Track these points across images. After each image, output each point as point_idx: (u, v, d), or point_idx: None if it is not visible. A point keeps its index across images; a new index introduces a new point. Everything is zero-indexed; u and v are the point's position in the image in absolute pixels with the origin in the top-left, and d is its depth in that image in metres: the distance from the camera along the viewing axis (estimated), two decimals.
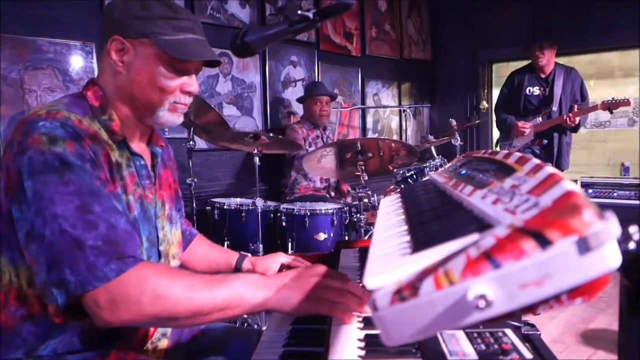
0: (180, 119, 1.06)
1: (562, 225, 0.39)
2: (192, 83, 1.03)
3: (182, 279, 0.86)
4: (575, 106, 3.64)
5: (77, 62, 2.67)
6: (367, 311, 0.84)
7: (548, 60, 3.73)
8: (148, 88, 0.99)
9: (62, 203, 0.84)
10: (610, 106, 3.53)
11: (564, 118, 3.58)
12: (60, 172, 0.85)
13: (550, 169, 0.54)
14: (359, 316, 0.85)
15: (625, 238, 0.44)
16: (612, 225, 0.38)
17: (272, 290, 0.86)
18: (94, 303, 0.82)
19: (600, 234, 0.38)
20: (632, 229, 0.44)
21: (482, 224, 0.53)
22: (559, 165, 3.81)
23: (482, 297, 0.40)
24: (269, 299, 0.85)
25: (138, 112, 1.03)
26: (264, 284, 0.87)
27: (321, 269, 0.91)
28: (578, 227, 0.38)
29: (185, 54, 0.98)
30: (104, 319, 0.82)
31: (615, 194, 4.30)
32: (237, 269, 1.32)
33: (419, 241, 0.58)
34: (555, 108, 3.71)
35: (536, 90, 3.81)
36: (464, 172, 0.89)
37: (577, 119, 3.57)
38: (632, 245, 0.43)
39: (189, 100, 1.05)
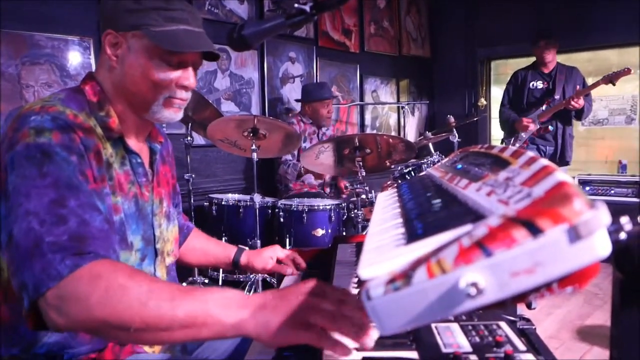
0: (179, 115, 1.03)
1: (553, 214, 0.39)
2: (187, 77, 0.99)
3: (142, 282, 0.74)
4: (578, 86, 3.66)
5: (74, 57, 2.66)
6: (367, 343, 0.64)
7: (552, 55, 3.78)
8: (141, 82, 0.97)
9: (37, 197, 0.79)
10: (611, 78, 3.53)
11: (568, 99, 3.59)
12: (40, 164, 0.82)
13: (543, 161, 0.54)
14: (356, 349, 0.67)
15: (617, 229, 0.45)
16: (602, 214, 0.38)
17: (250, 310, 0.68)
18: (46, 304, 0.74)
19: (590, 222, 0.38)
20: (624, 219, 0.45)
21: (476, 215, 0.53)
22: (563, 159, 3.83)
23: (474, 285, 0.40)
24: (245, 322, 0.68)
25: (134, 108, 1.01)
26: (241, 302, 0.70)
27: (312, 285, 0.71)
28: (568, 216, 0.39)
29: (176, 46, 0.95)
30: (52, 321, 0.74)
31: (612, 192, 4.31)
32: (235, 263, 1.33)
33: (413, 232, 0.59)
34: (557, 97, 3.74)
35: (539, 84, 3.85)
36: (460, 166, 0.89)
37: (582, 101, 3.58)
38: (623, 236, 0.44)
39: (185, 95, 1.02)
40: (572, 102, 3.58)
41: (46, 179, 0.81)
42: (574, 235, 0.38)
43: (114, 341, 0.96)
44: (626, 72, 3.48)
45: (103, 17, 0.99)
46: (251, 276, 2.59)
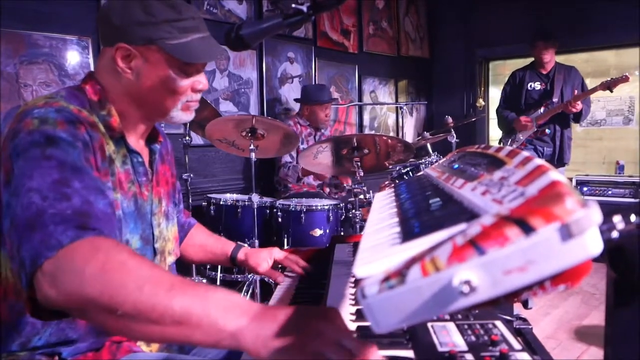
0: (192, 116, 1.07)
1: (545, 213, 0.40)
2: (202, 80, 1.04)
3: (143, 265, 0.69)
4: (576, 90, 3.67)
5: (73, 57, 2.66)
6: None
7: (550, 55, 3.78)
8: (161, 92, 0.99)
9: (40, 177, 0.77)
10: (609, 85, 3.54)
11: (566, 104, 3.60)
12: (44, 147, 0.81)
13: (538, 160, 0.55)
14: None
15: (609, 228, 0.45)
16: (593, 213, 0.39)
17: (251, 318, 0.61)
18: (41, 275, 0.69)
19: (582, 221, 0.39)
20: (616, 218, 0.45)
21: (471, 214, 0.54)
22: (562, 160, 3.83)
23: (467, 283, 0.41)
24: (243, 331, 0.60)
25: (149, 114, 1.03)
26: (245, 308, 0.63)
27: (334, 314, 0.62)
28: (560, 215, 0.39)
29: (194, 57, 0.98)
30: (45, 294, 0.69)
31: (610, 192, 4.33)
32: (233, 259, 1.34)
33: (409, 231, 0.59)
34: (555, 99, 3.74)
35: (537, 86, 3.85)
36: (456, 166, 0.90)
37: (579, 105, 3.59)
38: (615, 234, 0.44)
39: (199, 97, 1.06)
40: (570, 107, 3.59)
41: (51, 161, 0.80)
42: (566, 233, 0.39)
43: (99, 327, 0.92)
44: (624, 79, 3.50)
45: (110, 28, 0.97)
46: (249, 276, 2.59)
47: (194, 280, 2.57)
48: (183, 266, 1.38)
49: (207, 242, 1.37)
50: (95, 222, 0.76)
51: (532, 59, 3.96)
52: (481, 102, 5.30)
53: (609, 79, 3.57)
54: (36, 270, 0.70)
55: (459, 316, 0.81)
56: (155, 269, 0.70)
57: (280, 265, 1.38)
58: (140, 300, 0.64)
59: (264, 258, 1.34)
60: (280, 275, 1.33)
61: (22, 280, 0.72)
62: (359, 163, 2.49)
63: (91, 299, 0.66)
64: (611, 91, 3.59)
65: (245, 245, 1.38)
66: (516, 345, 0.71)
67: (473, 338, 0.73)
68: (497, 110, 4.06)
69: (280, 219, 2.76)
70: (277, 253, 1.36)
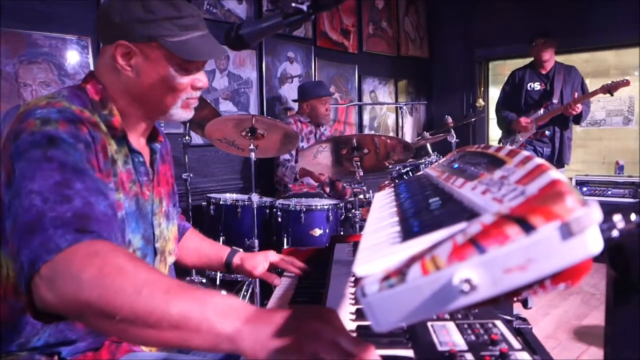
0: (192, 114, 1.07)
1: (546, 211, 0.40)
2: (201, 78, 1.04)
3: (141, 269, 0.68)
4: (576, 93, 3.67)
5: (72, 56, 2.66)
6: None
7: (550, 55, 3.77)
8: (161, 90, 0.99)
9: (41, 179, 0.78)
10: (610, 89, 3.54)
11: (566, 106, 3.60)
12: (45, 149, 0.81)
13: (538, 160, 0.55)
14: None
15: (609, 227, 0.45)
16: (593, 211, 0.39)
17: (248, 321, 0.61)
18: (39, 279, 0.70)
19: (582, 219, 0.39)
20: (617, 217, 0.45)
21: (471, 213, 0.54)
22: (561, 161, 3.83)
23: (467, 281, 0.41)
24: (240, 333, 0.60)
25: (149, 112, 1.03)
26: (242, 311, 0.63)
27: (331, 315, 0.63)
28: (561, 213, 0.39)
29: (194, 55, 0.98)
30: (42, 298, 0.69)
31: (609, 192, 4.33)
32: (228, 264, 1.33)
33: (409, 231, 0.59)
34: (555, 100, 3.74)
35: (537, 86, 3.84)
36: (456, 165, 0.90)
37: (579, 107, 3.58)
38: (615, 233, 0.44)
39: (199, 94, 1.06)
40: (570, 110, 3.58)
41: (52, 163, 0.80)
42: (566, 231, 0.39)
43: (96, 331, 0.93)
44: (625, 83, 3.50)
45: (110, 26, 0.97)
46: None
47: (193, 279, 2.56)
48: (183, 267, 1.38)
49: (201, 246, 1.36)
50: (95, 224, 0.77)
51: (531, 59, 3.96)
52: (481, 102, 5.31)
53: (609, 82, 3.57)
54: (34, 274, 0.70)
55: (459, 315, 0.81)
56: (153, 273, 0.69)
57: (279, 269, 1.37)
58: (138, 304, 0.64)
59: (259, 261, 1.33)
60: (276, 278, 1.32)
61: (23, 285, 0.73)
62: (358, 163, 2.49)
63: (88, 304, 0.66)
64: (611, 94, 3.59)
65: (240, 250, 1.36)
66: (516, 344, 0.71)
67: (473, 337, 0.73)
68: (497, 110, 4.05)
69: (280, 219, 2.76)
70: (272, 256, 1.35)
